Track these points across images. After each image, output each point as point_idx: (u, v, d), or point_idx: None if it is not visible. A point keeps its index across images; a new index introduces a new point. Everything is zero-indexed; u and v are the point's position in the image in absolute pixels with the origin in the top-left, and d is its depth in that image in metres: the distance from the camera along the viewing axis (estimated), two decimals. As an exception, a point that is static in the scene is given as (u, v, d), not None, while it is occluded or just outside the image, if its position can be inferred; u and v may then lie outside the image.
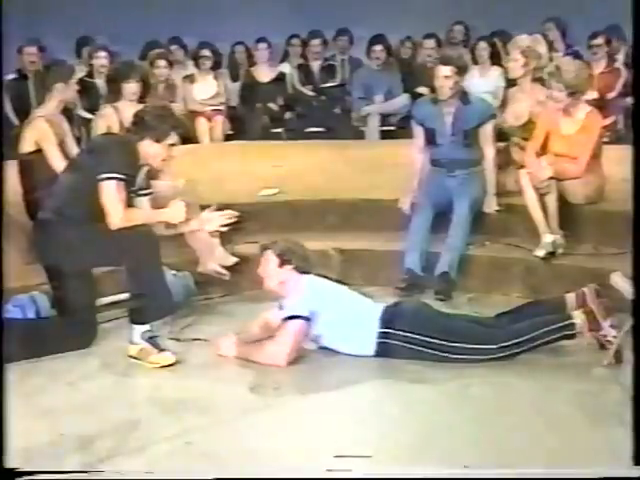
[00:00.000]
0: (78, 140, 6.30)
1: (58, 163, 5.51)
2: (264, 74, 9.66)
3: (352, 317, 4.66)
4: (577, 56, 8.20)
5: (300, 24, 10.11)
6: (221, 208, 5.14)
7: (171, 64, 8.70)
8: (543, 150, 5.91)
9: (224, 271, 5.58)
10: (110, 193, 4.52)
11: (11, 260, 4.34)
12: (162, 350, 4.62)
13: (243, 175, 6.90)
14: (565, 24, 9.52)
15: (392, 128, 9.20)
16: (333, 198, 6.36)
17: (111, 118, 6.02)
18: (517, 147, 6.23)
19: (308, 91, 9.78)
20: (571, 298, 4.73)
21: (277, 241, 4.86)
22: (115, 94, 6.18)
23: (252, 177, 6.79)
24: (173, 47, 9.58)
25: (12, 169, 5.57)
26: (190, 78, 9.28)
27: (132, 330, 4.64)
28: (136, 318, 4.66)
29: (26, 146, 5.70)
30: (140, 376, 4.51)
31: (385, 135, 9.15)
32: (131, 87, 6.07)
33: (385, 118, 9.29)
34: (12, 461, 3.23)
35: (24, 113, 6.88)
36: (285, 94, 9.68)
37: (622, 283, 4.55)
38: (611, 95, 8.45)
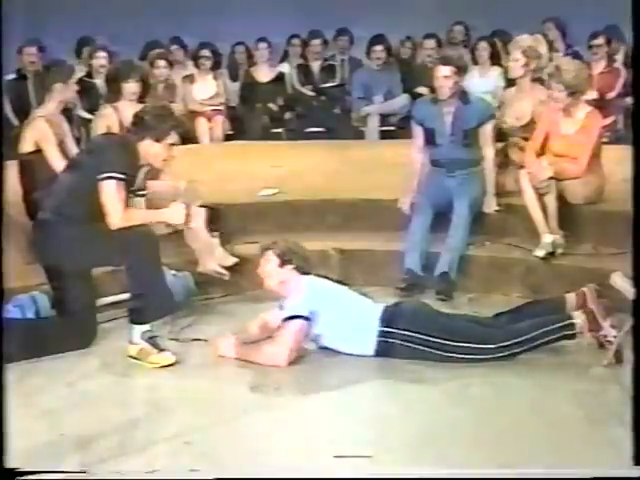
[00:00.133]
0: (78, 140, 6.31)
1: (58, 163, 5.51)
2: (264, 74, 9.67)
3: (352, 317, 4.67)
4: (577, 56, 8.20)
5: (300, 24, 10.11)
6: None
7: (171, 64, 8.70)
8: (542, 150, 5.91)
9: (224, 271, 5.58)
10: (110, 193, 4.52)
11: (11, 260, 4.33)
12: (162, 350, 4.62)
13: (243, 175, 6.90)
14: (565, 24, 9.52)
15: (392, 128, 9.20)
16: (333, 198, 6.36)
17: (111, 118, 6.02)
18: (516, 147, 6.23)
19: (308, 91, 9.78)
20: (571, 298, 4.73)
21: (277, 241, 4.87)
22: (115, 94, 6.18)
23: (252, 177, 6.79)
24: (173, 47, 9.58)
25: (12, 169, 5.57)
26: (190, 78, 9.28)
27: (132, 330, 4.64)
28: (136, 318, 4.66)
29: (26, 146, 5.70)
30: (140, 376, 4.51)
31: (385, 135, 9.15)
32: (131, 87, 6.07)
33: (385, 118, 9.29)
34: (12, 461, 3.22)
35: (24, 113, 6.89)
36: (285, 94, 9.69)
37: (622, 283, 4.55)
38: (611, 95, 8.46)
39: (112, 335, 4.90)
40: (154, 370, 4.54)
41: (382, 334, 4.59)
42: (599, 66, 8.56)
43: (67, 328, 4.74)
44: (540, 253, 5.59)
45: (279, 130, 9.42)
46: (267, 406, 4.14)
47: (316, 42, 9.97)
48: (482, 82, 8.50)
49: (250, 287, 5.50)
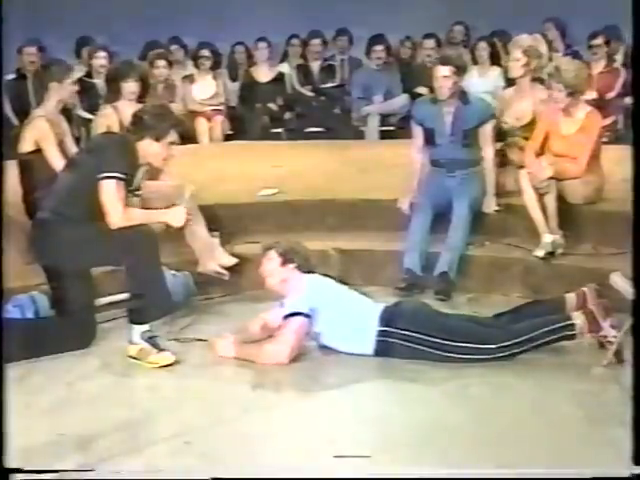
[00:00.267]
0: (77, 140, 6.31)
1: (58, 163, 5.51)
2: (263, 74, 9.66)
3: (352, 316, 4.67)
4: (576, 56, 8.20)
5: (300, 24, 10.11)
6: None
7: (171, 64, 8.70)
8: (542, 150, 5.91)
9: (224, 271, 5.58)
10: (110, 192, 4.52)
11: (11, 260, 4.34)
12: (162, 350, 4.61)
13: (243, 175, 6.90)
14: (564, 24, 9.52)
15: (392, 128, 9.20)
16: (333, 198, 6.36)
17: (111, 118, 6.01)
18: (516, 148, 6.22)
19: (308, 91, 9.78)
20: (571, 298, 4.73)
21: (280, 241, 4.89)
22: (114, 94, 6.18)
23: (252, 177, 6.79)
24: (173, 47, 9.58)
25: (12, 169, 5.57)
26: (189, 78, 9.28)
27: (131, 330, 4.64)
28: (135, 318, 4.66)
29: (26, 146, 5.70)
30: (140, 376, 4.51)
31: (385, 135, 9.15)
32: (130, 86, 6.06)
33: (385, 118, 9.29)
34: (12, 461, 3.22)
35: (24, 113, 6.88)
36: (285, 94, 9.69)
37: (622, 283, 4.55)
38: (610, 95, 8.46)
39: (112, 335, 4.90)
40: (154, 370, 4.54)
41: (381, 333, 4.59)
42: (599, 66, 8.55)
43: (67, 328, 4.74)
44: (540, 253, 5.59)
45: (279, 130, 9.42)
46: (267, 406, 4.14)
47: (316, 42, 9.97)
48: (482, 82, 8.50)
49: (250, 287, 5.51)
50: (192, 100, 9.16)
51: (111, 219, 4.54)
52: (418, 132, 6.12)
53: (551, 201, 5.66)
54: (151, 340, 4.62)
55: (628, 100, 8.08)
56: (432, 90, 6.27)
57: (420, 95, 7.97)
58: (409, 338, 4.55)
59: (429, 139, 6.05)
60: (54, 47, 9.08)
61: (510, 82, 6.97)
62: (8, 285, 4.13)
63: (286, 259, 4.79)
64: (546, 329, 4.52)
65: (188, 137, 8.22)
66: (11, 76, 8.74)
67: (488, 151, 6.04)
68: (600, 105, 6.92)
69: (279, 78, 9.72)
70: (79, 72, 6.18)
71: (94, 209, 4.56)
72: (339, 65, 10.00)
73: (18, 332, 4.42)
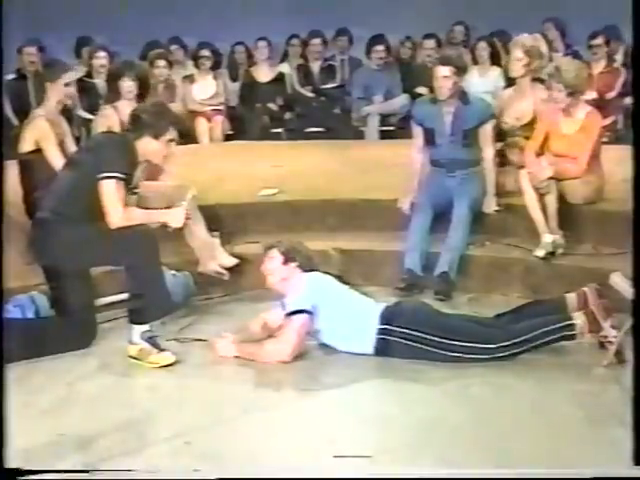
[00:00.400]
0: (77, 140, 6.31)
1: (58, 163, 5.50)
2: (263, 74, 9.66)
3: (352, 314, 4.68)
4: (576, 56, 8.20)
5: (300, 24, 10.10)
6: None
7: (171, 64, 8.70)
8: (542, 150, 5.90)
9: (224, 271, 5.58)
10: (110, 192, 4.52)
11: (11, 260, 4.34)
12: (162, 350, 4.61)
13: (243, 175, 6.90)
14: (564, 24, 9.53)
15: (392, 128, 9.21)
16: (333, 198, 6.36)
17: (111, 118, 6.01)
18: (517, 148, 6.22)
19: (308, 92, 9.78)
20: (571, 298, 4.73)
21: (281, 240, 4.90)
22: (114, 94, 6.18)
23: (252, 177, 6.79)
24: (173, 47, 9.58)
25: (12, 169, 5.57)
26: (190, 78, 9.28)
27: (131, 330, 4.63)
28: (135, 318, 4.65)
29: (26, 146, 5.69)
30: (140, 376, 4.51)
31: (385, 135, 9.15)
32: (127, 86, 6.05)
33: (385, 118, 9.29)
34: (12, 461, 3.23)
35: (24, 113, 6.87)
36: (285, 94, 9.69)
37: (622, 283, 4.55)
38: (611, 95, 8.46)
39: (112, 335, 4.90)
40: (154, 370, 4.54)
41: (381, 332, 4.59)
42: (599, 66, 8.55)
43: (67, 328, 4.74)
44: (540, 253, 5.59)
45: (279, 130, 9.43)
46: (267, 406, 4.14)
47: (316, 42, 9.97)
48: (482, 82, 8.50)
49: (250, 287, 5.51)
50: (192, 100, 9.16)
51: (111, 219, 4.53)
52: (418, 132, 6.12)
53: (551, 201, 5.66)
54: (151, 340, 4.62)
55: (628, 100, 8.08)
56: (432, 90, 6.26)
57: (420, 95, 7.97)
58: (409, 337, 4.55)
59: (429, 139, 6.05)
60: (54, 47, 9.08)
61: (510, 82, 6.97)
62: (8, 285, 4.13)
63: (288, 258, 4.80)
64: (546, 329, 4.52)
65: (188, 137, 8.22)
66: (11, 76, 8.74)
67: (488, 151, 6.04)
68: (600, 105, 6.92)
69: (279, 78, 9.72)
70: (76, 72, 6.15)
71: (94, 209, 4.56)
72: (339, 65, 10.00)
73: (18, 332, 4.41)
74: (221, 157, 7.82)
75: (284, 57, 10.06)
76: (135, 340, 4.61)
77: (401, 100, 9.27)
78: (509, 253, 5.80)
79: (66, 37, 9.49)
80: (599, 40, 8.66)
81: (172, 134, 4.76)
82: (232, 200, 6.27)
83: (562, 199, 5.72)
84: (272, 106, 9.48)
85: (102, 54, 8.72)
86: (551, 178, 5.65)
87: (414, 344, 4.54)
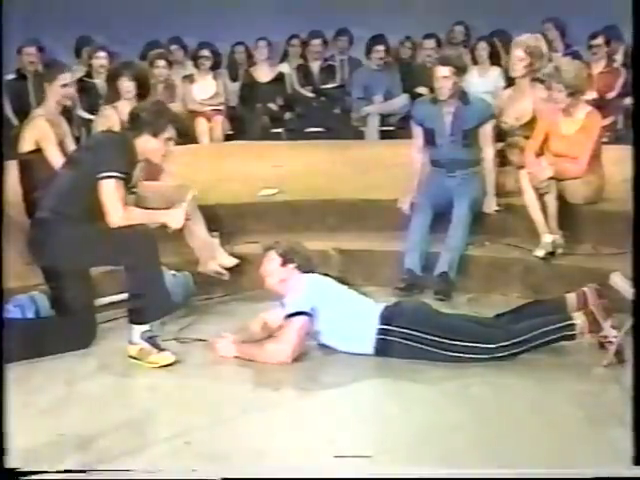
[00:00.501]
0: (77, 140, 6.30)
1: (58, 162, 5.50)
2: (263, 74, 9.67)
3: (352, 315, 4.67)
4: (576, 56, 8.20)
5: (300, 24, 10.11)
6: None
7: (171, 64, 8.70)
8: (542, 150, 5.90)
9: (224, 271, 5.58)
10: (109, 191, 4.52)
11: (11, 260, 4.34)
12: (162, 350, 4.61)
13: (243, 175, 6.90)
14: (564, 24, 9.53)
15: (392, 128, 9.21)
16: (333, 198, 6.36)
17: (112, 118, 6.00)
18: (517, 148, 6.22)
19: (307, 92, 9.78)
20: (571, 298, 4.73)
21: (280, 241, 4.90)
22: (114, 94, 6.17)
23: (252, 177, 6.79)
24: (173, 47, 9.58)
25: (12, 169, 5.57)
26: (189, 78, 9.29)
27: (131, 330, 4.63)
28: (135, 318, 4.65)
29: (26, 145, 5.69)
30: (140, 376, 4.51)
31: (385, 135, 9.16)
32: (125, 85, 6.04)
33: (385, 118, 9.30)
34: (12, 461, 3.22)
35: (24, 113, 6.88)
36: (285, 94, 9.69)
37: (622, 283, 4.55)
38: (611, 95, 8.46)
39: (112, 335, 4.90)
40: (154, 370, 4.54)
41: (381, 332, 4.59)
42: (599, 66, 8.56)
43: (67, 328, 4.74)
44: (540, 253, 5.59)
45: (279, 130, 9.43)
46: (267, 406, 4.14)
47: (316, 42, 9.97)
48: (482, 82, 8.51)
49: (250, 287, 5.50)
50: (192, 100, 9.17)
51: (111, 218, 4.53)
52: (418, 132, 6.12)
53: (551, 201, 5.66)
54: (151, 340, 4.62)
55: (628, 100, 8.08)
56: (432, 90, 6.27)
57: (420, 95, 7.97)
58: (409, 337, 4.55)
59: (429, 139, 6.05)
60: (54, 47, 9.09)
61: (510, 82, 6.97)
62: (8, 285, 4.12)
63: (286, 259, 4.80)
64: (546, 329, 4.52)
65: (188, 137, 8.22)
66: (11, 76, 8.74)
67: (488, 151, 6.04)
68: (600, 105, 6.92)
69: (279, 78, 9.72)
70: (73, 73, 6.14)
71: (93, 208, 4.56)
72: (339, 65, 10.00)
73: (18, 332, 4.41)
74: (221, 157, 7.82)
75: (284, 57, 10.06)
76: (135, 340, 4.61)
77: (401, 100, 9.28)
78: (509, 253, 5.80)
79: (66, 37, 9.49)
80: (599, 40, 8.66)
81: (171, 132, 4.76)
82: (232, 200, 6.27)
83: (562, 199, 5.72)
84: (272, 106, 9.49)
85: (102, 54, 8.73)
86: (551, 178, 5.65)
87: (414, 344, 4.54)
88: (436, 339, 4.52)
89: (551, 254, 5.59)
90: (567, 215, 5.71)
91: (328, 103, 9.66)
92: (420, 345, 4.53)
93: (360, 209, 6.26)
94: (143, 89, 6.08)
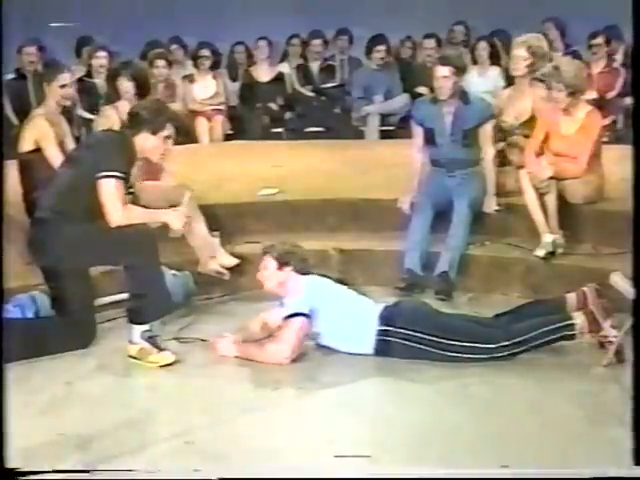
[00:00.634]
0: (77, 140, 6.30)
1: (58, 162, 5.49)
2: (263, 74, 9.67)
3: (351, 315, 4.67)
4: (576, 56, 8.20)
5: (300, 24, 10.11)
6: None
7: (170, 64, 8.70)
8: (542, 150, 5.90)
9: (224, 271, 5.58)
10: (109, 191, 4.51)
11: (11, 260, 4.34)
12: (162, 350, 4.61)
13: (243, 175, 6.90)
14: (564, 24, 9.52)
15: (392, 128, 9.21)
16: (333, 198, 6.35)
17: (112, 118, 6.00)
18: (517, 148, 6.21)
19: (308, 91, 9.78)
20: (571, 298, 4.73)
21: (275, 244, 4.90)
22: (114, 93, 6.18)
23: (252, 177, 6.79)
24: (173, 47, 9.58)
25: (12, 168, 5.56)
26: (189, 78, 9.29)
27: (131, 330, 4.63)
28: (135, 318, 4.65)
29: (26, 145, 5.69)
30: (140, 376, 4.51)
31: (385, 135, 9.15)
32: (124, 85, 6.04)
33: (385, 118, 9.29)
34: (12, 461, 3.22)
35: (24, 113, 6.88)
36: (285, 94, 9.69)
37: (622, 283, 4.54)
38: (610, 95, 8.46)
39: (112, 335, 4.90)
40: (154, 370, 4.54)
41: (381, 333, 4.59)
42: (599, 66, 8.57)
43: (67, 328, 4.73)
44: (540, 253, 5.59)
45: (279, 130, 9.43)
46: (267, 405, 4.14)
47: (316, 42, 9.97)
48: (482, 82, 8.51)
49: (250, 287, 5.50)
50: (192, 100, 9.17)
51: (111, 218, 4.53)
52: (418, 132, 6.12)
53: (551, 201, 5.66)
54: (151, 340, 4.62)
55: (628, 100, 8.08)
56: (432, 90, 6.27)
57: (420, 95, 7.97)
58: (409, 337, 4.55)
59: (429, 139, 6.05)
60: (54, 47, 9.08)
61: (510, 82, 6.96)
62: (8, 285, 4.12)
63: (282, 263, 4.80)
64: (546, 329, 4.52)
65: (188, 136, 8.22)
66: (11, 76, 8.74)
67: (488, 151, 6.04)
68: (600, 105, 6.92)
69: (279, 78, 9.72)
70: (72, 74, 6.14)
71: (93, 207, 4.56)
72: (339, 65, 10.00)
73: (18, 332, 4.41)
74: (221, 157, 7.82)
75: (284, 57, 10.06)
76: (135, 340, 4.61)
77: (401, 100, 9.27)
78: (509, 253, 5.80)
79: (66, 37, 9.49)
80: (599, 40, 8.67)
81: (170, 130, 4.76)
82: (232, 200, 6.27)
83: (562, 199, 5.72)
84: (272, 106, 9.49)
85: (102, 54, 8.72)
86: (551, 178, 5.64)
87: (414, 345, 4.54)
88: (436, 339, 4.52)
89: (551, 254, 5.59)
90: (567, 215, 5.71)
91: (328, 103, 9.66)
92: (420, 345, 4.53)
93: (360, 209, 6.25)
94: (143, 89, 6.07)
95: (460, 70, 5.96)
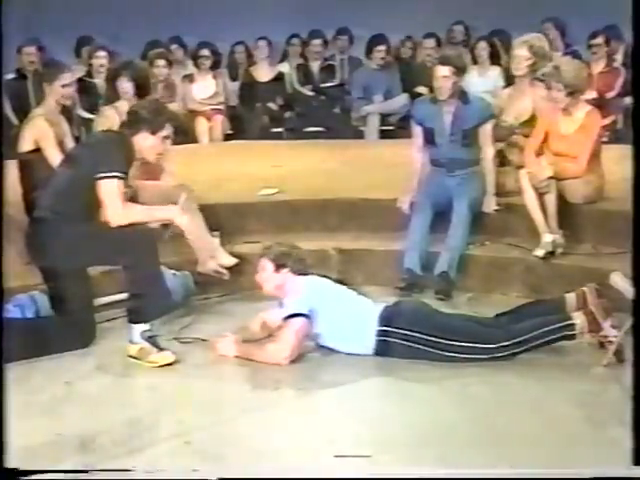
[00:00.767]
0: (77, 140, 6.29)
1: (57, 162, 5.49)
2: (263, 74, 9.67)
3: (351, 316, 4.67)
4: (576, 56, 8.20)
5: (300, 24, 10.11)
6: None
7: (171, 64, 8.70)
8: (541, 150, 5.90)
9: (224, 271, 5.58)
10: (110, 191, 4.51)
11: (11, 260, 4.34)
12: (162, 349, 4.61)
13: (243, 175, 6.90)
14: (564, 24, 9.53)
15: (391, 128, 9.22)
16: (333, 198, 6.35)
17: (112, 118, 6.00)
18: (516, 148, 6.21)
19: (307, 91, 9.78)
20: (571, 298, 4.73)
21: (271, 246, 4.89)
22: (114, 93, 6.17)
23: (252, 177, 6.79)
24: (173, 46, 9.58)
25: (12, 168, 5.56)
26: (189, 78, 9.29)
27: (131, 330, 4.63)
28: (134, 317, 4.65)
29: (25, 145, 5.69)
30: (140, 376, 4.51)
31: (384, 135, 9.16)
32: (123, 86, 6.04)
33: (384, 118, 9.30)
34: (12, 461, 3.22)
35: (23, 113, 6.88)
36: (285, 94, 9.70)
37: (622, 283, 4.55)
38: (610, 95, 8.46)
39: (112, 335, 4.90)
40: (154, 370, 4.53)
41: (381, 333, 4.59)
42: (598, 66, 8.56)
43: (67, 328, 4.73)
44: (540, 253, 5.59)
45: (279, 130, 9.43)
46: (267, 405, 4.14)
47: (316, 42, 9.97)
48: (482, 82, 8.52)
49: (249, 286, 5.49)
50: (192, 99, 9.17)
51: (112, 217, 4.52)
52: (418, 132, 6.12)
53: (551, 201, 5.66)
54: (151, 339, 4.62)
55: (628, 100, 8.08)
56: (432, 90, 6.26)
57: (420, 95, 7.97)
58: (409, 337, 4.55)
59: (429, 139, 6.05)
60: (54, 47, 9.08)
61: (510, 81, 6.96)
62: (8, 285, 4.12)
63: (278, 265, 4.79)
64: (546, 329, 4.52)
65: (188, 136, 8.22)
66: (11, 76, 8.74)
67: (488, 151, 6.04)
68: (600, 104, 6.91)
69: (279, 78, 9.73)
70: (72, 74, 6.13)
71: (92, 207, 4.56)
72: (339, 65, 10.01)
73: (18, 332, 4.41)
74: (221, 157, 7.82)
75: (284, 57, 10.07)
76: (135, 339, 4.61)
77: (401, 100, 9.28)
78: (509, 253, 5.80)
79: (66, 37, 9.48)
80: (599, 40, 8.66)
81: (168, 131, 4.76)
82: (232, 200, 6.27)
83: (562, 199, 5.72)
84: (272, 105, 9.49)
85: (102, 54, 8.73)
86: (551, 177, 5.64)
87: (414, 345, 4.53)
88: (436, 339, 4.52)
89: (551, 254, 5.59)
90: (567, 214, 5.71)
91: (328, 102, 9.67)
92: (420, 346, 4.53)
93: (360, 209, 6.25)
94: (142, 89, 6.07)
95: (460, 70, 5.96)
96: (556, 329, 4.52)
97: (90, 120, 7.23)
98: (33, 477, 3.26)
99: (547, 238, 5.61)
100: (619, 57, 8.89)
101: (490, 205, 6.01)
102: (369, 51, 9.52)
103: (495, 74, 8.74)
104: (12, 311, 4.85)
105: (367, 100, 9.37)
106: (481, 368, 4.45)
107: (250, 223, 6.13)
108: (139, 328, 4.61)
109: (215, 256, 5.58)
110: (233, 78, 9.82)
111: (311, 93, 9.77)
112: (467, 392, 4.25)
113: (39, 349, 4.65)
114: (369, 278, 5.76)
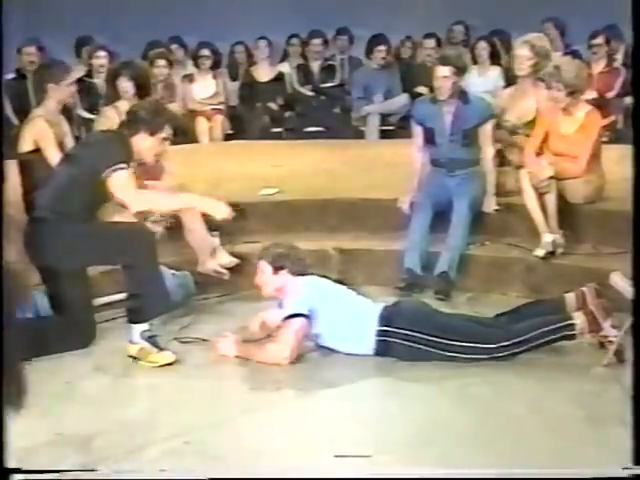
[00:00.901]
0: (77, 140, 6.30)
1: (57, 162, 5.50)
2: (263, 73, 9.67)
3: (351, 316, 4.67)
4: (576, 56, 8.20)
5: (300, 24, 10.11)
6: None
7: (171, 63, 8.70)
8: (541, 149, 5.90)
9: (224, 271, 5.58)
10: (123, 183, 4.50)
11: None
12: (162, 349, 4.61)
13: (243, 175, 6.90)
14: (564, 24, 9.53)
15: (391, 128, 9.22)
16: (333, 198, 6.35)
17: (112, 118, 5.99)
18: (516, 148, 6.21)
19: (307, 91, 9.78)
20: (571, 298, 4.73)
21: (269, 248, 4.89)
22: (114, 93, 6.17)
23: (252, 177, 6.79)
24: (173, 46, 9.58)
25: (12, 168, 5.56)
26: (189, 77, 9.30)
27: (131, 330, 4.63)
28: (134, 317, 4.65)
29: (25, 145, 5.69)
30: (139, 376, 4.51)
31: (384, 135, 9.17)
32: (123, 85, 6.04)
33: (385, 118, 9.30)
34: (12, 461, 3.22)
35: (23, 113, 6.88)
36: (285, 94, 9.70)
37: (622, 283, 4.54)
38: (610, 95, 8.46)
39: (111, 335, 4.90)
40: (154, 370, 4.54)
41: (381, 333, 4.59)
42: (599, 66, 8.56)
43: (66, 328, 4.73)
44: (540, 253, 5.59)
45: (279, 129, 9.43)
46: (267, 405, 4.14)
47: (316, 42, 9.98)
48: (482, 82, 8.51)
49: (249, 286, 5.48)
50: (192, 99, 9.17)
51: (131, 205, 4.55)
52: (418, 132, 6.12)
53: (551, 201, 5.66)
54: (151, 339, 4.62)
55: (628, 100, 8.08)
56: (432, 90, 6.26)
57: (420, 95, 7.97)
58: (409, 337, 4.54)
59: (429, 139, 6.05)
60: (54, 47, 9.08)
61: (510, 81, 6.95)
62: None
63: (277, 267, 4.79)
64: (546, 329, 4.52)
65: (188, 136, 8.22)
66: (11, 76, 8.74)
67: (488, 151, 6.04)
68: (600, 104, 6.91)
69: (279, 78, 9.73)
70: (78, 73, 6.14)
71: (91, 206, 4.57)
72: (339, 65, 10.01)
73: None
74: (221, 157, 7.82)
75: (284, 56, 10.07)
76: (135, 339, 4.61)
77: (401, 100, 9.28)
78: (509, 253, 5.80)
79: (66, 37, 9.48)
80: (599, 40, 8.66)
81: (167, 132, 4.76)
82: (232, 199, 6.25)
83: (562, 198, 5.72)
84: (272, 105, 9.49)
85: (102, 54, 8.73)
86: (551, 177, 5.64)
87: (414, 345, 4.53)
88: (436, 339, 4.52)
89: (551, 254, 5.59)
90: (567, 214, 5.71)
91: (328, 102, 9.67)
92: (420, 346, 4.53)
93: (360, 209, 6.25)
94: (143, 89, 6.07)
95: (460, 70, 5.96)
96: (556, 329, 4.52)
97: (90, 120, 7.24)
98: (33, 477, 3.26)
99: (547, 238, 5.61)
100: (619, 57, 8.89)
101: (490, 205, 6.01)
102: (369, 51, 9.52)
103: (495, 74, 8.74)
104: (12, 311, 4.84)
105: (367, 100, 9.37)
106: (481, 368, 4.45)
107: (250, 223, 6.12)
108: (139, 328, 4.61)
109: (215, 256, 5.58)
110: (233, 78, 9.82)
111: (311, 93, 9.78)
112: (467, 392, 4.25)
113: (39, 349, 4.63)
114: (369, 278, 5.76)
